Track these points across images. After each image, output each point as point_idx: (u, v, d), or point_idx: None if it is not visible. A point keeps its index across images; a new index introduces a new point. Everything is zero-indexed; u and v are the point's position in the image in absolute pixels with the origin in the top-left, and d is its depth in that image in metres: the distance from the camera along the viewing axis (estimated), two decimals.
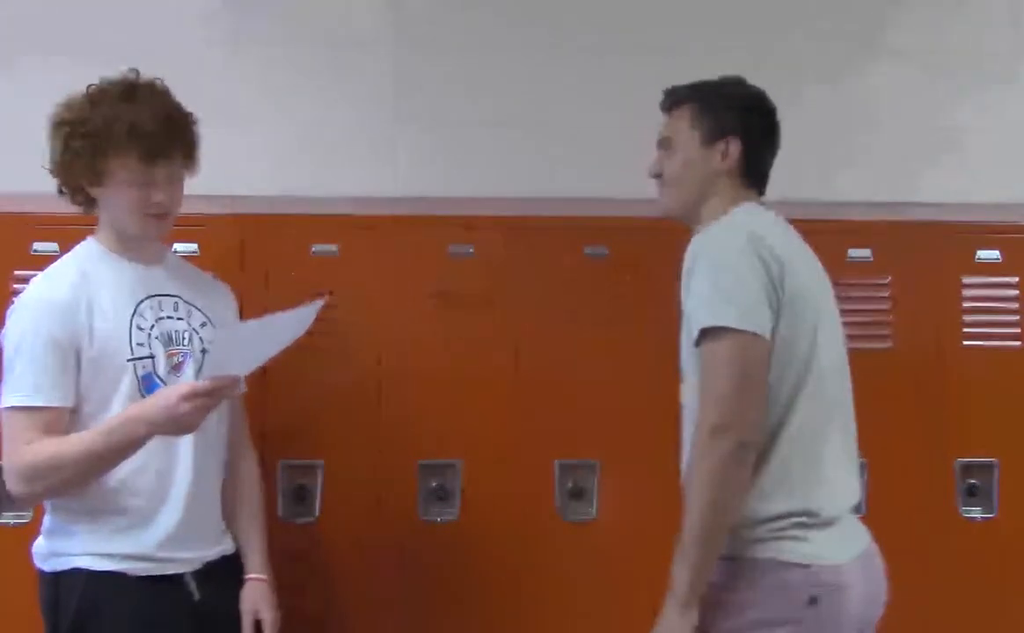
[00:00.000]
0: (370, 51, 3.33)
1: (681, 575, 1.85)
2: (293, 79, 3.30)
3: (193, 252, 2.68)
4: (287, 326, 2.11)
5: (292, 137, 3.27)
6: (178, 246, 2.66)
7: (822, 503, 1.91)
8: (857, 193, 3.30)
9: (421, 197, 3.20)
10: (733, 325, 1.85)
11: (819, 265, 2.09)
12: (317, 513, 2.70)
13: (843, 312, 2.80)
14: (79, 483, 2.03)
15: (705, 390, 1.88)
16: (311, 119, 3.28)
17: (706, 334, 1.87)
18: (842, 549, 1.93)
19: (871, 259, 2.87)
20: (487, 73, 3.33)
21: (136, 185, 2.12)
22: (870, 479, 2.79)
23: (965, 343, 2.85)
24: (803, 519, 1.89)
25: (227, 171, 3.21)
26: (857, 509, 2.04)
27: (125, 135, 2.08)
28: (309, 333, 2.68)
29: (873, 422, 2.78)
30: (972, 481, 2.81)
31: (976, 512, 2.81)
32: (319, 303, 2.10)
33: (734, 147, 2.06)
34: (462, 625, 2.72)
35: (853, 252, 2.87)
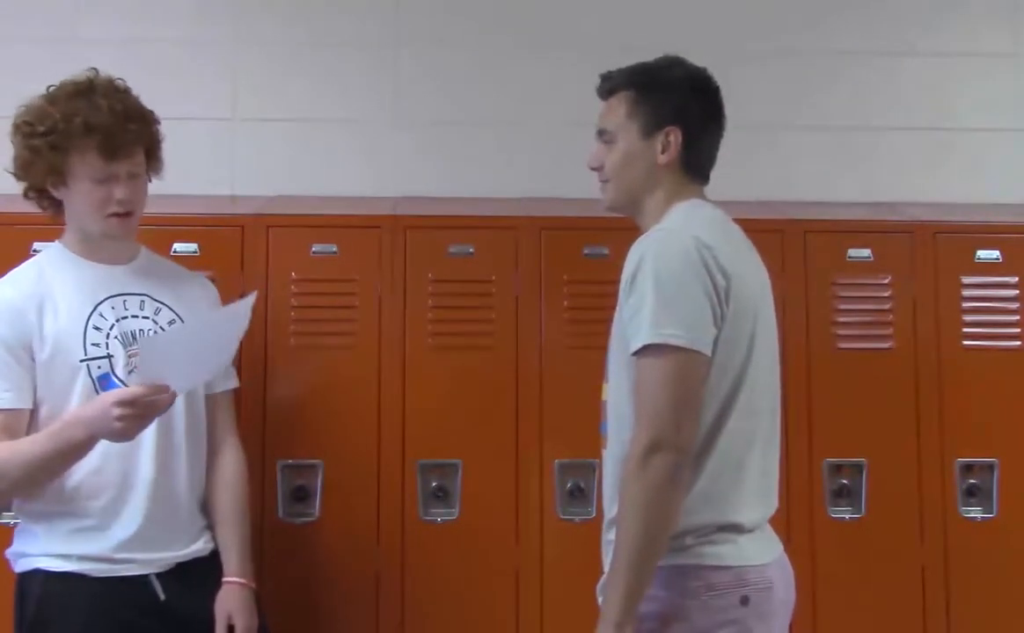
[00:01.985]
0: (370, 51, 3.33)
1: (614, 596, 1.81)
2: (293, 79, 3.30)
3: (193, 252, 2.68)
4: (220, 329, 2.09)
5: (292, 137, 3.27)
6: (178, 246, 2.66)
7: (744, 517, 1.88)
8: (857, 193, 3.30)
9: (421, 197, 3.21)
10: (678, 344, 1.80)
11: (761, 265, 2.03)
12: (317, 513, 2.70)
13: (843, 312, 2.84)
14: (30, 486, 2.04)
15: (641, 405, 1.82)
16: (311, 119, 3.29)
17: (648, 348, 1.82)
18: (764, 552, 1.91)
19: (871, 259, 2.87)
20: (487, 73, 3.34)
21: (96, 181, 2.11)
22: (870, 479, 2.79)
23: (965, 343, 2.85)
24: (727, 527, 1.87)
25: (227, 171, 3.23)
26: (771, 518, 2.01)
27: (82, 130, 2.08)
28: (311, 332, 2.71)
29: (873, 422, 2.81)
30: (972, 481, 2.81)
31: (976, 512, 2.81)
32: (250, 300, 2.09)
33: (674, 138, 1.98)
34: (462, 625, 2.72)
35: (853, 252, 2.87)
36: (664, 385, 1.80)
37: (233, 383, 2.36)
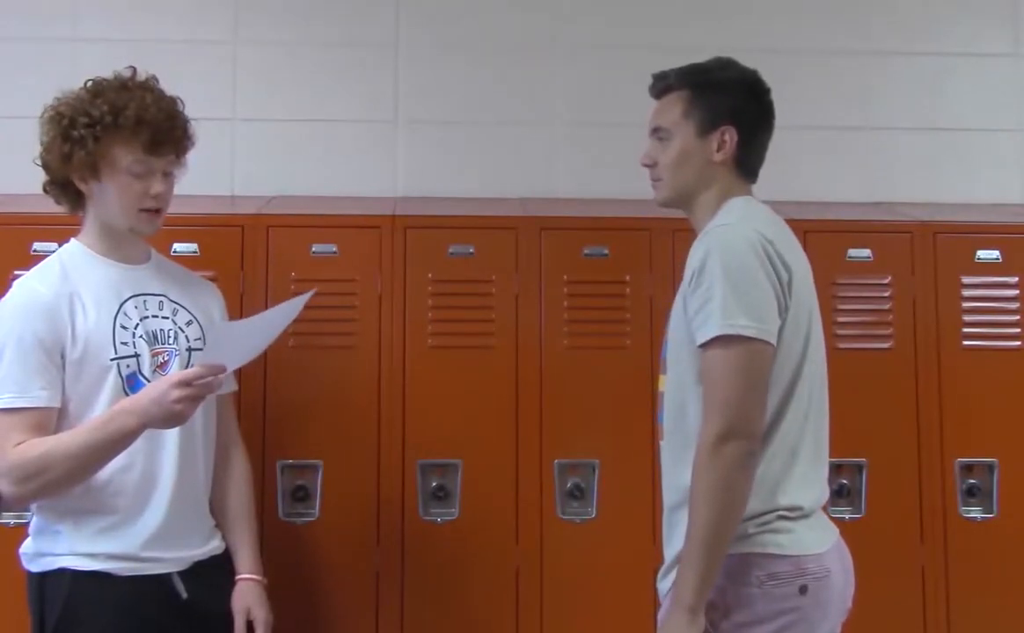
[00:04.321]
0: (370, 51, 3.33)
1: (688, 580, 1.85)
2: (293, 79, 3.31)
3: (193, 252, 2.68)
4: (277, 319, 2.13)
5: (292, 137, 3.27)
6: (178, 246, 2.66)
7: (800, 499, 1.93)
8: (857, 193, 3.31)
9: (421, 197, 3.21)
10: (749, 334, 1.85)
11: (808, 263, 2.08)
12: (317, 513, 2.70)
13: (843, 312, 2.84)
14: (70, 481, 2.03)
15: (711, 395, 1.87)
16: (311, 119, 3.29)
17: (718, 339, 1.86)
18: (821, 539, 1.96)
19: (871, 259, 2.87)
20: (487, 73, 3.34)
21: (136, 176, 2.13)
22: (870, 479, 2.79)
23: (965, 343, 2.85)
24: (785, 513, 1.91)
25: (227, 171, 3.24)
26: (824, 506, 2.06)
27: (133, 122, 2.10)
28: (311, 332, 2.71)
29: (873, 422, 2.81)
30: (972, 481, 2.81)
31: (976, 512, 2.81)
32: (307, 295, 2.13)
33: (730, 136, 2.04)
34: (462, 625, 2.72)
35: (853, 252, 2.87)
36: (735, 375, 1.85)
37: (235, 386, 2.38)
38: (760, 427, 1.87)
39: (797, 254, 2.01)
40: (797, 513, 1.92)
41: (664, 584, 1.99)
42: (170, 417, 1.98)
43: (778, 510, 1.91)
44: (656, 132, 2.11)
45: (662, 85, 2.13)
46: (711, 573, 1.85)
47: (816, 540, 1.94)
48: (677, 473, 1.96)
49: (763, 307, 1.88)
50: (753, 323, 1.86)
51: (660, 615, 1.98)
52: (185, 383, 1.95)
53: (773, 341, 1.88)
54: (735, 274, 1.88)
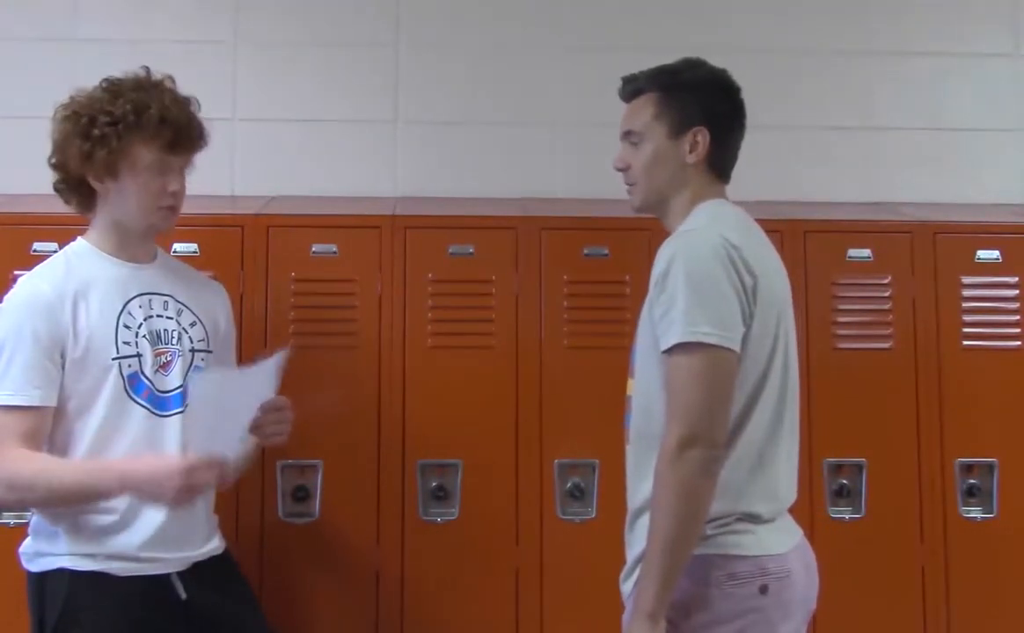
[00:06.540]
0: (370, 51, 3.33)
1: (649, 587, 1.83)
2: (293, 79, 3.31)
3: (193, 252, 2.69)
4: (255, 382, 2.11)
5: (292, 137, 3.27)
6: (178, 246, 2.66)
7: (763, 507, 1.92)
8: (857, 193, 3.31)
9: (421, 197, 3.21)
10: (711, 342, 1.83)
11: (781, 264, 2.06)
12: (317, 513, 2.70)
13: (843, 312, 2.84)
14: (49, 507, 2.07)
15: (674, 402, 1.86)
16: (311, 119, 3.29)
17: (680, 346, 1.85)
18: (782, 540, 1.94)
19: (871, 259, 2.87)
20: (487, 73, 3.34)
21: (155, 173, 2.14)
22: (870, 479, 2.79)
23: (965, 343, 2.85)
24: (746, 517, 1.90)
25: (227, 171, 3.24)
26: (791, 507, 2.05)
27: (156, 121, 2.11)
28: (311, 332, 2.71)
29: (873, 422, 2.81)
30: (972, 481, 2.81)
31: (976, 512, 2.81)
32: (281, 355, 2.11)
33: (702, 138, 2.02)
34: (462, 625, 2.72)
35: (853, 252, 2.87)
36: (697, 382, 1.83)
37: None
38: (723, 434, 1.85)
39: (765, 258, 1.98)
40: (758, 519, 1.91)
41: (626, 586, 1.98)
42: (157, 497, 1.99)
43: (738, 514, 1.89)
44: (628, 136, 2.09)
45: (632, 88, 2.10)
46: (671, 580, 1.83)
47: (777, 541, 1.92)
48: (641, 478, 1.94)
49: (726, 314, 1.86)
50: (715, 330, 1.84)
51: (624, 618, 1.98)
52: (188, 471, 1.97)
53: (736, 348, 1.86)
54: (698, 281, 1.86)
